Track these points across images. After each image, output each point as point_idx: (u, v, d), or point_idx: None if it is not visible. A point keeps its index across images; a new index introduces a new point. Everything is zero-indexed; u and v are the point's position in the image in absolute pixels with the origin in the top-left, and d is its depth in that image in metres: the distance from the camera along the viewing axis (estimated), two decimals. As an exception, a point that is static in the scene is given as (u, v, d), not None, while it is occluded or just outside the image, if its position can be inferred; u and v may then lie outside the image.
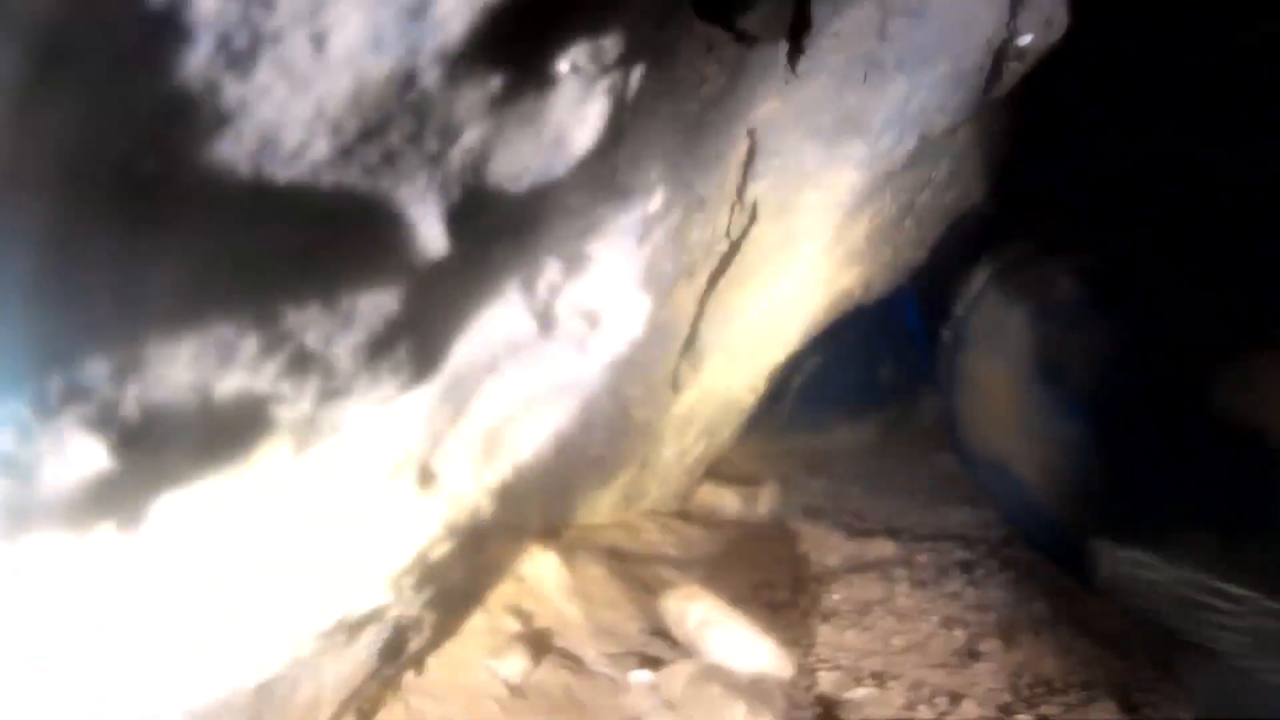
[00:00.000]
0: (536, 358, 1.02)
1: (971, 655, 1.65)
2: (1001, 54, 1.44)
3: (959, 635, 1.70)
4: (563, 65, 0.77)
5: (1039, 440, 1.59)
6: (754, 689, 1.48)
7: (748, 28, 1.09)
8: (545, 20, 0.73)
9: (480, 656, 1.43)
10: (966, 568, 1.91)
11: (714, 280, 1.51)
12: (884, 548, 2.08)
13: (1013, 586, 1.84)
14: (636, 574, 1.77)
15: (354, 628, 0.97)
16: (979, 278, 1.92)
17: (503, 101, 0.74)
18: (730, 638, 1.54)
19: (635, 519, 2.01)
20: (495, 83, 0.71)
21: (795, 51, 1.20)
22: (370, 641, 1.02)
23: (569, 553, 1.70)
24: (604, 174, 0.96)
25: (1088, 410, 1.50)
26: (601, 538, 1.92)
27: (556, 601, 1.64)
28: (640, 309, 1.22)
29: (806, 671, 1.60)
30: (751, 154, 1.32)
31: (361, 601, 0.95)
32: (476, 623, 1.49)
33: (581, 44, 0.78)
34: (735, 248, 1.48)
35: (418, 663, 1.29)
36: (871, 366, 2.43)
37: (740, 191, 1.37)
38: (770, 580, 1.91)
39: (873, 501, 2.39)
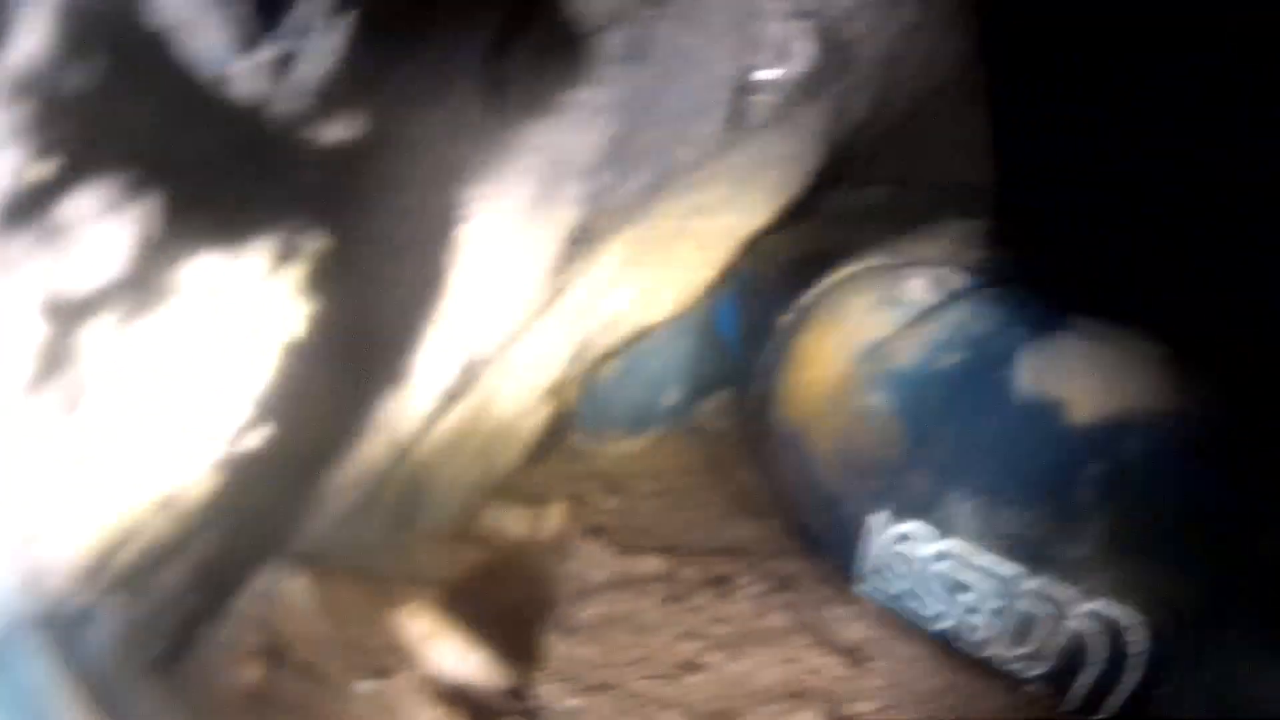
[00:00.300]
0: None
1: (693, 668, 1.68)
2: (745, 89, 1.46)
3: (688, 648, 1.74)
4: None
5: (842, 412, 1.58)
6: (457, 696, 1.53)
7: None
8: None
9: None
10: (722, 581, 1.93)
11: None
12: (651, 564, 2.08)
13: (760, 599, 1.87)
14: (393, 593, 1.74)
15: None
16: (837, 275, 1.86)
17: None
18: (449, 650, 1.60)
19: (407, 540, 1.98)
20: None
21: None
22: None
23: (327, 573, 1.68)
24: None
25: (894, 385, 1.52)
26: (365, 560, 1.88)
27: (306, 618, 1.62)
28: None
29: (528, 683, 1.63)
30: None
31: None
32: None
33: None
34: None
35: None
36: (668, 380, 2.34)
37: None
38: (529, 598, 1.93)
39: (663, 518, 2.38)
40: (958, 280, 1.64)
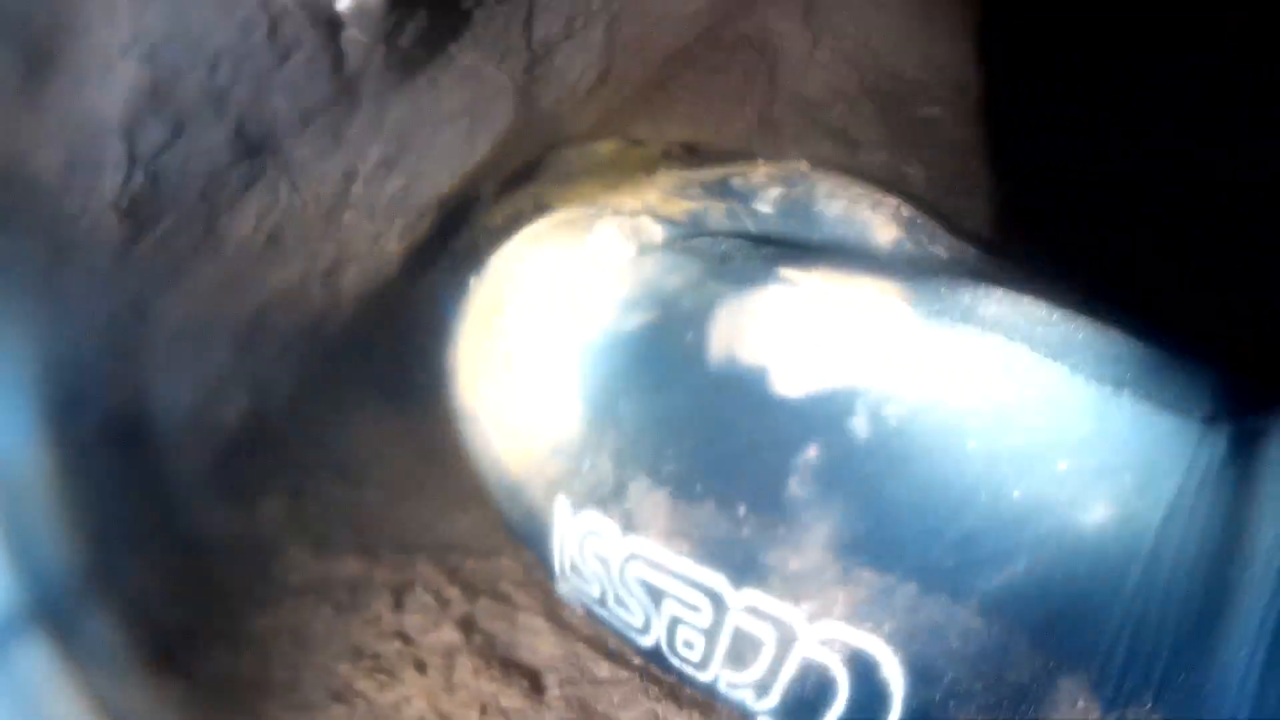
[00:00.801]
0: None
1: (340, 696, 1.53)
2: (324, 22, 1.25)
3: (344, 670, 1.59)
4: None
5: (516, 384, 1.40)
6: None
7: None
8: None
9: None
10: (401, 591, 1.80)
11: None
12: (349, 566, 1.93)
13: (439, 609, 1.75)
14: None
15: None
16: (526, 231, 1.63)
17: None
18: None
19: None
20: None
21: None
22: None
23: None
24: None
25: (571, 351, 1.30)
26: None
27: None
28: None
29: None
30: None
31: None
32: None
33: None
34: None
35: None
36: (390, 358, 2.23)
37: None
38: (210, 608, 1.71)
39: (387, 512, 2.19)
40: (656, 231, 1.39)
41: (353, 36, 1.26)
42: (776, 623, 1.00)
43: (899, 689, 0.93)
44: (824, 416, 1.01)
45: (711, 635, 1.07)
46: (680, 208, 1.57)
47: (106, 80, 1.10)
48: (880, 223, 1.58)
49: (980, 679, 0.89)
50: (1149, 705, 0.82)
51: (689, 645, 1.12)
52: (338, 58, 1.28)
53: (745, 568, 1.03)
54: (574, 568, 1.32)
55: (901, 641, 0.94)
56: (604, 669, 1.47)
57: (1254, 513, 0.81)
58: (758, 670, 1.03)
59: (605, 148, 2.22)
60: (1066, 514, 0.90)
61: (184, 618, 1.48)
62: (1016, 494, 0.92)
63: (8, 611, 0.95)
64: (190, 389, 1.62)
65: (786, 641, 1.00)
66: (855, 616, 0.95)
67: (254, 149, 1.32)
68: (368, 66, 1.33)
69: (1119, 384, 0.95)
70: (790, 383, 1.05)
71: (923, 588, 0.93)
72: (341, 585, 1.77)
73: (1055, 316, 1.05)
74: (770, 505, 1.02)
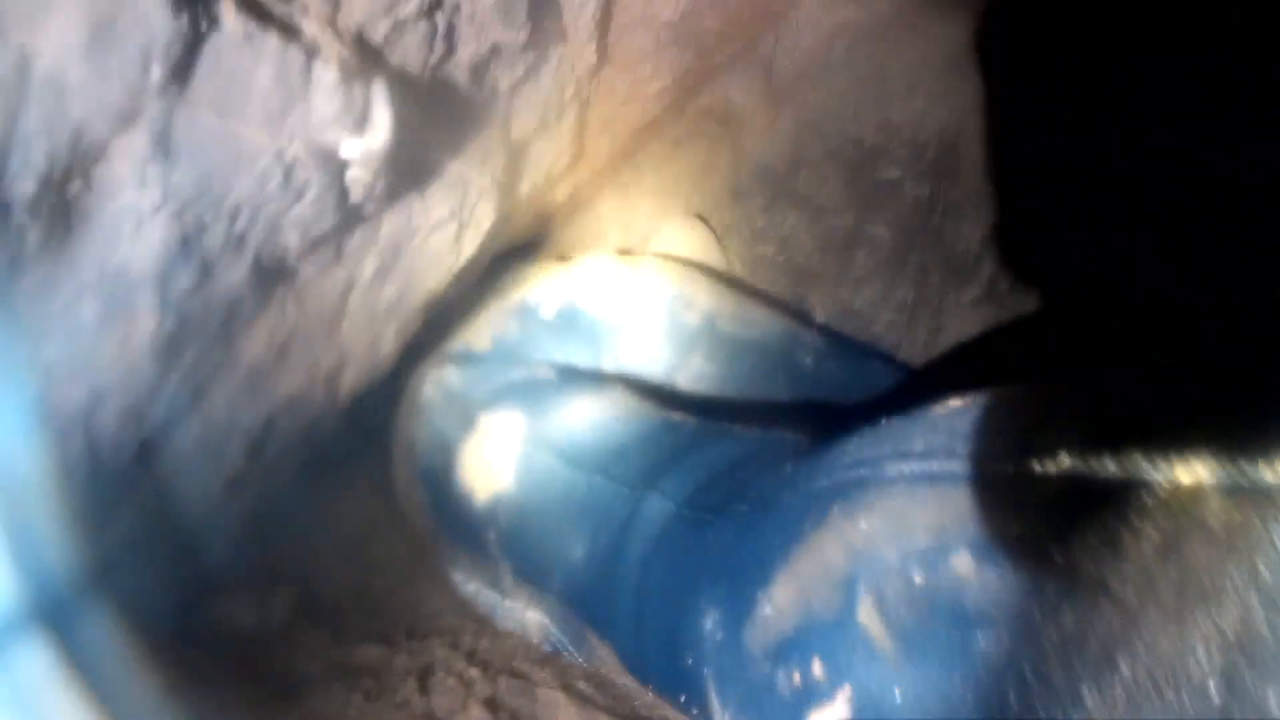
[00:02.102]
0: None
1: None
2: (332, 166, 1.36)
3: None
4: None
5: (410, 503, 2.06)
6: None
7: None
8: None
9: None
10: (424, 675, 1.83)
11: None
12: (369, 653, 1.96)
13: (464, 688, 1.74)
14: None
15: None
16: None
17: None
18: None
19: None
20: None
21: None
22: None
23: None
24: None
25: (423, 474, 1.98)
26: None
27: None
28: None
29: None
30: None
31: None
32: None
33: None
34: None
35: None
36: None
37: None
38: (236, 701, 1.66)
39: (395, 591, 2.23)
40: (453, 380, 1.98)
41: (356, 176, 1.35)
42: (517, 614, 1.76)
43: (560, 635, 1.67)
44: (487, 511, 1.70)
45: (514, 624, 1.79)
46: (487, 335, 2.04)
47: (139, 237, 1.19)
48: (634, 305, 2.06)
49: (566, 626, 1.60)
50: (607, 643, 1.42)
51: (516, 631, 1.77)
52: (343, 193, 1.37)
53: (500, 589, 1.76)
54: (469, 599, 1.93)
55: (552, 619, 1.66)
56: (629, 743, 1.57)
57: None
58: (533, 636, 1.74)
59: (538, 272, 2.32)
60: (570, 554, 1.52)
61: (213, 713, 1.54)
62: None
63: (8, 611, 0.99)
64: (203, 497, 1.70)
65: (525, 624, 1.75)
66: (534, 606, 1.67)
67: (268, 279, 1.41)
68: (369, 196, 1.42)
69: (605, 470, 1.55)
70: (477, 498, 1.75)
71: (548, 595, 1.62)
72: (365, 672, 1.83)
73: (620, 419, 1.65)
74: (489, 558, 1.73)
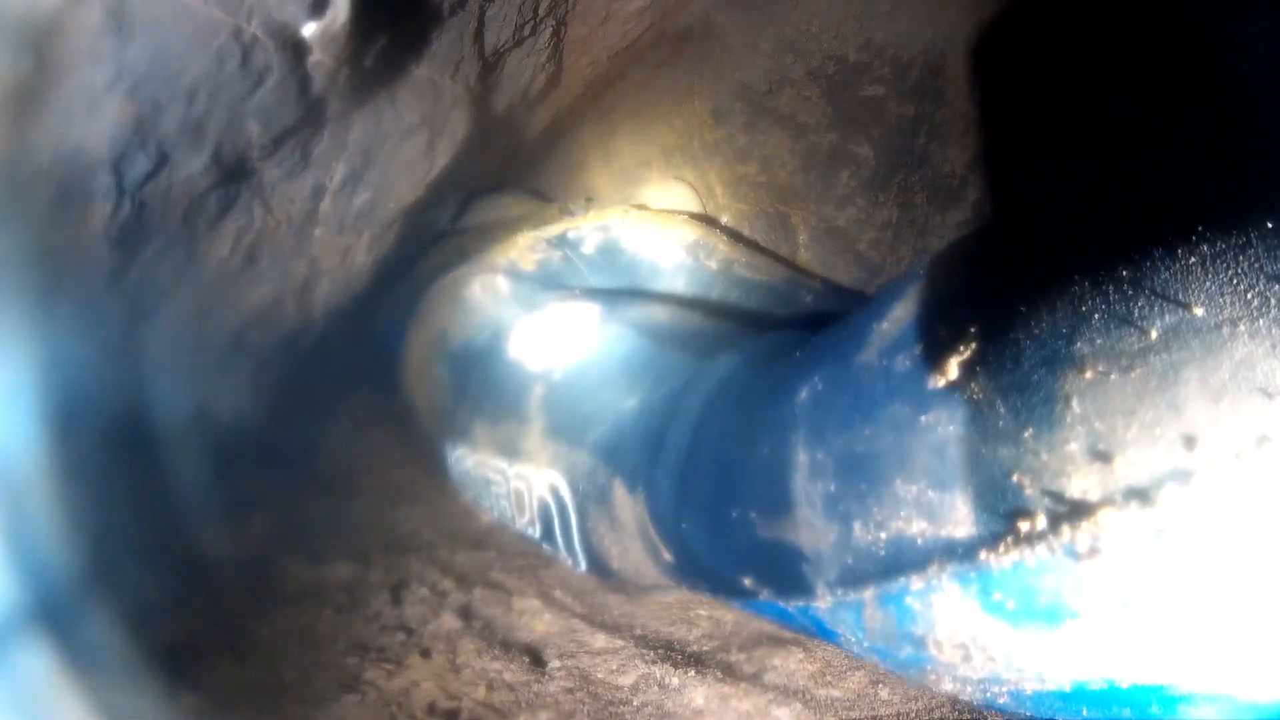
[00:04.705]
0: None
1: (350, 687, 1.55)
2: (292, 48, 1.31)
3: (351, 663, 1.63)
4: None
5: (425, 381, 2.22)
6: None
7: None
8: None
9: None
10: (398, 588, 1.86)
11: None
12: (343, 571, 1.97)
13: (436, 599, 1.77)
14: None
15: None
16: (438, 284, 2.38)
17: None
18: None
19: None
20: None
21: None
22: None
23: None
24: None
25: (448, 359, 2.16)
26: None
27: None
28: None
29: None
30: None
31: None
32: None
33: None
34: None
35: None
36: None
37: None
38: (209, 621, 1.75)
39: (372, 515, 2.25)
40: (503, 285, 2.18)
41: (318, 60, 1.31)
42: (524, 478, 1.82)
43: (569, 498, 1.72)
44: (544, 374, 1.89)
45: (509, 497, 1.88)
46: (532, 259, 2.31)
47: (93, 117, 1.15)
48: (666, 247, 2.38)
49: (589, 481, 1.70)
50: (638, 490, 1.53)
51: (507, 510, 1.91)
52: (305, 81, 1.33)
53: (512, 453, 1.85)
54: (460, 485, 2.10)
55: (571, 477, 1.72)
56: (600, 640, 1.55)
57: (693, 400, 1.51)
58: (527, 511, 1.84)
59: (514, 204, 2.66)
60: (622, 404, 1.68)
61: (187, 632, 1.51)
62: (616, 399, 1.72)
63: (8, 611, 0.96)
64: (178, 408, 1.67)
65: (530, 487, 1.81)
66: (554, 465, 1.75)
67: (230, 173, 1.38)
68: (333, 88, 1.38)
69: (672, 342, 1.75)
70: (534, 360, 1.95)
71: (578, 449, 1.72)
72: (338, 589, 1.82)
73: (669, 312, 1.93)
74: (520, 418, 1.85)
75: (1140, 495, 0.81)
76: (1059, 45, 2.23)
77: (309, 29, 1.25)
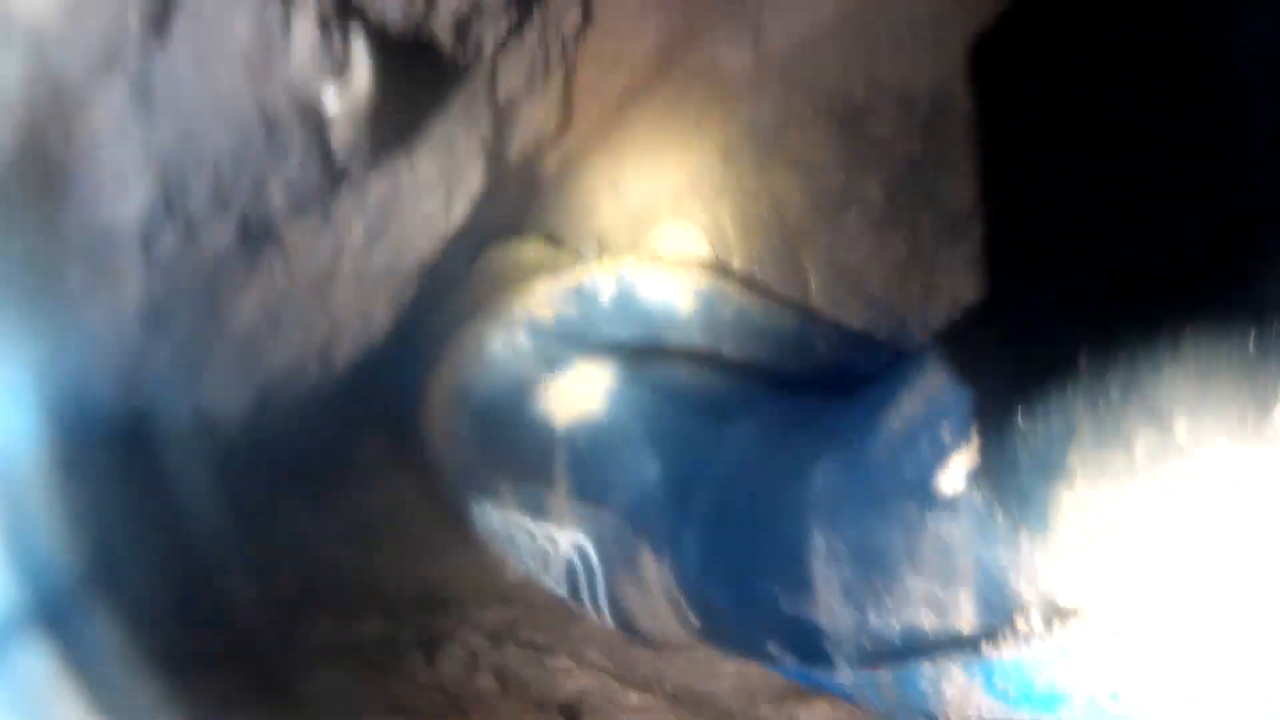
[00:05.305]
0: None
1: None
2: (312, 119, 1.33)
3: None
4: None
5: (445, 432, 2.21)
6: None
7: None
8: None
9: None
10: (430, 646, 1.86)
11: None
12: (374, 628, 2.01)
13: (471, 658, 1.72)
14: None
15: None
16: (459, 337, 2.37)
17: None
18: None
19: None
20: None
21: None
22: None
23: None
24: None
25: (467, 412, 2.17)
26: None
27: None
28: None
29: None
30: None
31: None
32: None
33: None
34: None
35: None
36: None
37: None
38: (243, 681, 1.73)
39: (397, 568, 2.30)
40: (523, 340, 2.20)
41: (341, 129, 1.33)
42: (551, 538, 1.84)
43: (596, 559, 1.75)
44: (568, 437, 1.91)
45: (536, 556, 1.92)
46: (549, 311, 2.31)
47: (122, 194, 1.16)
48: (680, 296, 2.41)
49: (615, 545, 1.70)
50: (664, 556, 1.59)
51: (530, 566, 1.97)
52: (327, 149, 1.35)
53: (538, 511, 1.87)
54: (486, 535, 2.13)
55: (598, 540, 1.75)
56: (633, 697, 1.56)
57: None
58: (554, 570, 1.88)
59: (528, 251, 2.64)
60: (647, 469, 1.73)
61: (220, 687, 1.52)
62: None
63: (8, 611, 0.97)
64: (203, 473, 1.68)
65: (556, 547, 1.85)
66: (580, 528, 1.77)
67: (254, 240, 1.39)
68: (354, 153, 1.40)
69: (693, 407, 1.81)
70: (560, 420, 1.97)
71: (604, 512, 1.74)
72: (372, 646, 1.82)
73: (688, 372, 1.97)
74: (545, 478, 1.88)
75: (1124, 597, 0.93)
76: (1059, 45, 2.22)
77: (332, 100, 1.27)
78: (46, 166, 1.11)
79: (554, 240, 2.65)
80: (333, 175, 1.40)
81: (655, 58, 2.47)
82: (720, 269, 2.57)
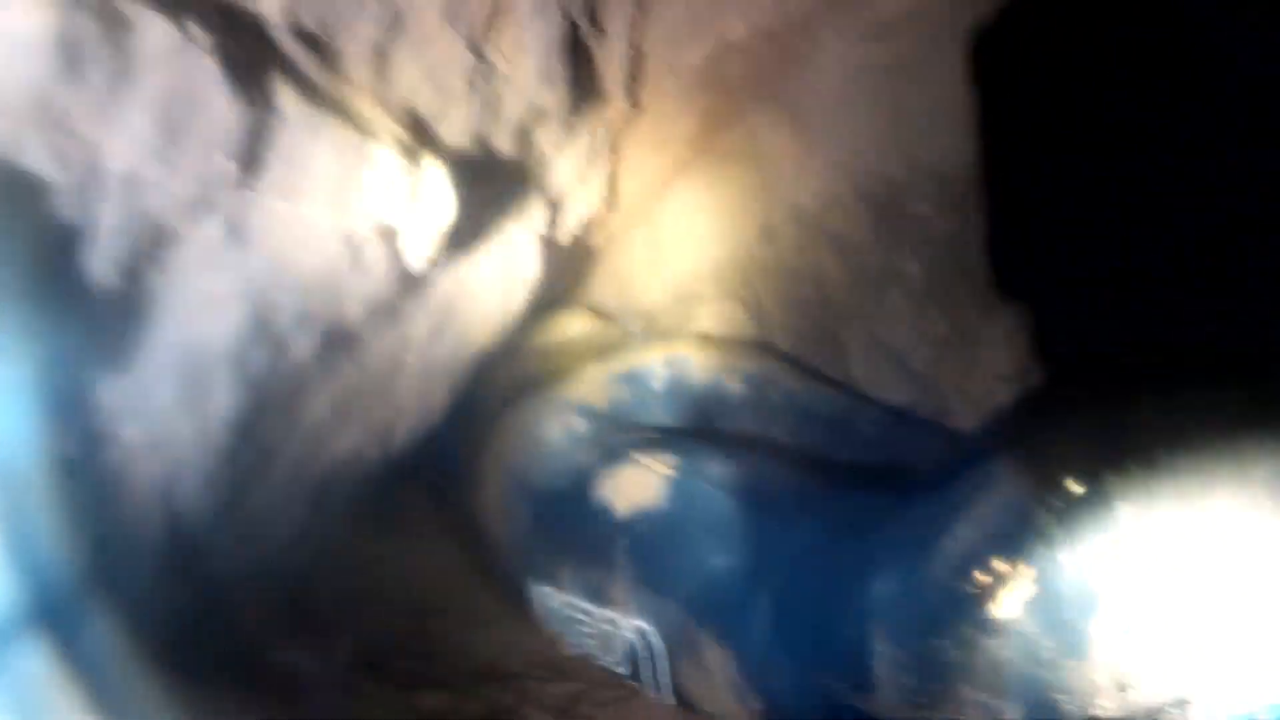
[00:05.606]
0: None
1: None
2: (391, 244, 1.42)
3: None
4: None
5: (498, 513, 2.29)
6: None
7: None
8: None
9: None
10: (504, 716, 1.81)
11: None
12: (434, 700, 2.04)
13: None
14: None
15: None
16: (511, 415, 2.44)
17: None
18: None
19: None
20: None
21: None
22: None
23: None
24: None
25: (527, 497, 2.24)
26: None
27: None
28: None
29: None
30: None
31: None
32: None
33: None
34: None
35: None
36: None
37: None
38: None
39: (450, 637, 2.32)
40: (580, 426, 2.25)
41: (416, 247, 1.42)
42: (613, 621, 1.95)
43: (658, 645, 1.86)
44: (629, 525, 2.00)
45: (595, 638, 2.00)
46: (604, 396, 2.40)
47: (214, 317, 1.25)
48: (732, 383, 2.50)
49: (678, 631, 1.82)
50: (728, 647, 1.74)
51: (590, 646, 2.02)
52: (402, 263, 1.44)
53: (599, 598, 1.97)
54: (543, 616, 2.16)
55: (660, 626, 1.85)
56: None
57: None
58: (614, 651, 1.96)
59: (576, 324, 2.78)
60: (709, 562, 1.90)
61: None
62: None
63: (8, 611, 1.00)
64: (266, 552, 1.76)
65: (618, 630, 1.94)
66: (642, 614, 1.86)
67: (333, 349, 1.47)
68: (429, 268, 1.48)
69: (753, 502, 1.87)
70: (620, 509, 2.06)
71: (667, 601, 1.85)
72: (435, 718, 1.87)
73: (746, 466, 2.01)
74: (607, 565, 1.98)
75: (1149, 716, 1.12)
76: (1059, 45, 2.27)
77: (410, 219, 1.36)
78: (143, 298, 1.19)
79: (600, 313, 2.71)
80: (407, 285, 1.49)
81: (696, 138, 2.56)
82: (765, 348, 2.60)
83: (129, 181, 1.05)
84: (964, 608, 1.24)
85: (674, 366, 2.40)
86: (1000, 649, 1.20)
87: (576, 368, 2.35)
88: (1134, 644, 1.11)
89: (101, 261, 1.06)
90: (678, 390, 2.35)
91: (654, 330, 2.43)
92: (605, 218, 2.37)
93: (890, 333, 2.53)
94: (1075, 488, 1.24)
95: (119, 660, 1.16)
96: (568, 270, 2.40)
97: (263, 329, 1.27)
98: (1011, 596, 1.21)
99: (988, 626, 1.21)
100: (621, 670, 1.92)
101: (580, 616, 2.00)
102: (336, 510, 2.00)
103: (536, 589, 2.09)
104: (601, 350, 2.41)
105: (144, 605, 1.32)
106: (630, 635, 1.87)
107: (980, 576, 1.23)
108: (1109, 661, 1.12)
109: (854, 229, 2.56)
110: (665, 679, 1.82)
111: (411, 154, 1.30)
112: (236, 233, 1.18)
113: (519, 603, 2.18)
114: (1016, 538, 1.22)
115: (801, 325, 2.61)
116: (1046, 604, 1.17)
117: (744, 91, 2.52)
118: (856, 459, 2.16)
